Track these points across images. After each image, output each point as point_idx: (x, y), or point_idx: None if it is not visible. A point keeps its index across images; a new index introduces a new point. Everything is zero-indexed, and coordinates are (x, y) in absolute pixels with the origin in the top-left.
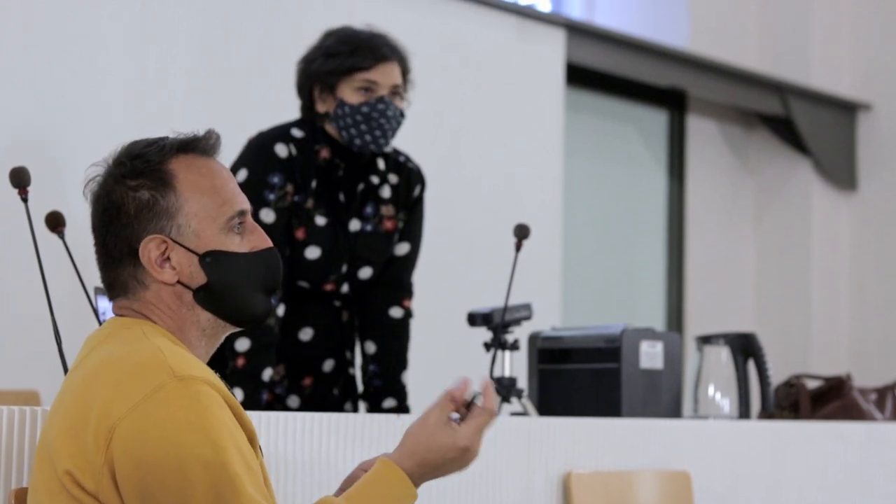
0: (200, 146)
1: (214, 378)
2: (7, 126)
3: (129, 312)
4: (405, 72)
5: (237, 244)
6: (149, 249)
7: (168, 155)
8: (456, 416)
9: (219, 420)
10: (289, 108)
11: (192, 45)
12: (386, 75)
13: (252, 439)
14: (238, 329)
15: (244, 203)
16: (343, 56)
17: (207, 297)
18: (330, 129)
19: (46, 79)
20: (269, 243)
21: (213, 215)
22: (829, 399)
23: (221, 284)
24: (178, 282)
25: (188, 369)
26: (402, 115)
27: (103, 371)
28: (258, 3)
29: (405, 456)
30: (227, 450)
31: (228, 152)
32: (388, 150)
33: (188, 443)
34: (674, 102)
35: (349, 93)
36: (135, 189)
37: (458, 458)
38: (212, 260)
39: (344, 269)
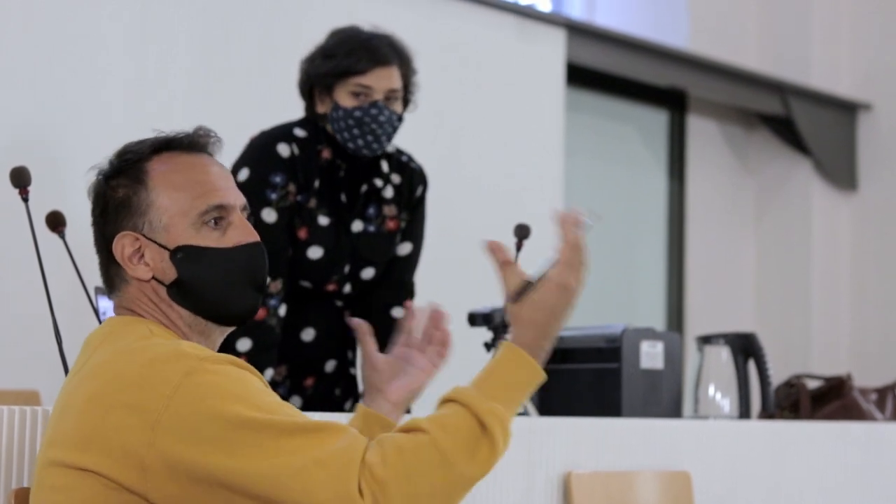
0: (184, 143)
1: (239, 360)
2: (7, 126)
3: (124, 312)
4: (407, 74)
5: (214, 239)
6: (122, 245)
7: (147, 152)
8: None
9: (252, 386)
10: (289, 108)
11: (192, 45)
12: (381, 80)
13: None
14: (223, 326)
15: (225, 198)
16: (339, 58)
17: (180, 292)
18: (330, 129)
19: (47, 79)
20: (253, 238)
21: (185, 210)
22: (829, 399)
23: (193, 280)
24: (154, 278)
25: (205, 352)
26: (398, 119)
27: (121, 370)
28: (258, 3)
29: (521, 329)
30: (269, 405)
31: (229, 152)
32: (390, 149)
33: (234, 412)
34: (674, 102)
35: (343, 96)
36: (114, 188)
37: (561, 299)
38: (182, 255)
39: (346, 269)
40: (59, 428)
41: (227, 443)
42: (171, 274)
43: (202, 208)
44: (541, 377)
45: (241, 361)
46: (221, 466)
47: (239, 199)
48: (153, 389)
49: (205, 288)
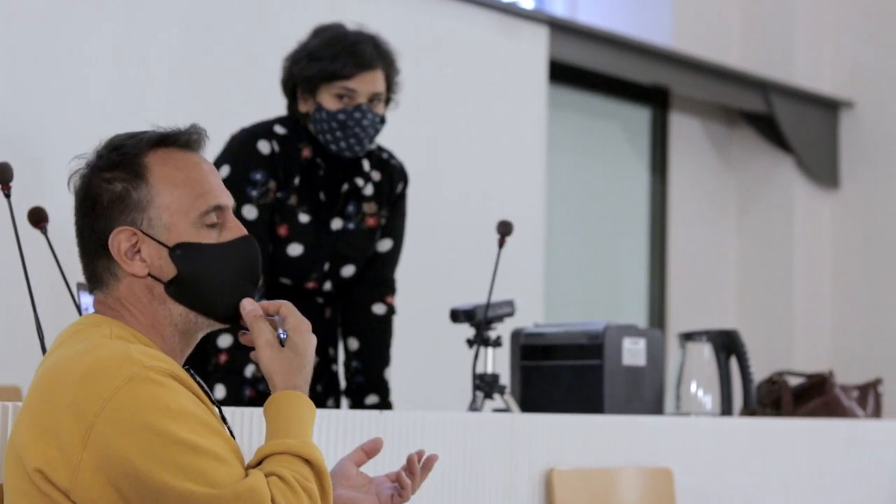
0: (181, 140)
1: (179, 371)
2: None
3: (103, 308)
4: (391, 76)
5: (213, 238)
6: (118, 241)
7: (145, 147)
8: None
9: (189, 403)
10: (273, 104)
11: (176, 41)
12: (366, 84)
13: None
14: (216, 324)
15: (222, 198)
16: (325, 61)
17: (179, 290)
18: (312, 128)
19: (29, 74)
20: (244, 232)
21: (186, 209)
22: (811, 396)
23: (193, 277)
24: (149, 275)
25: (153, 361)
26: (381, 121)
27: (68, 368)
28: (241, 1)
29: (278, 380)
30: (204, 428)
31: (213, 148)
32: (369, 149)
33: (167, 426)
34: (657, 100)
35: (327, 98)
36: (109, 181)
37: (302, 343)
38: (182, 252)
39: (326, 267)
40: (18, 423)
41: (155, 456)
42: (169, 271)
43: (203, 208)
44: (306, 401)
45: (186, 378)
46: (147, 476)
47: (230, 199)
48: (93, 391)
49: (203, 284)
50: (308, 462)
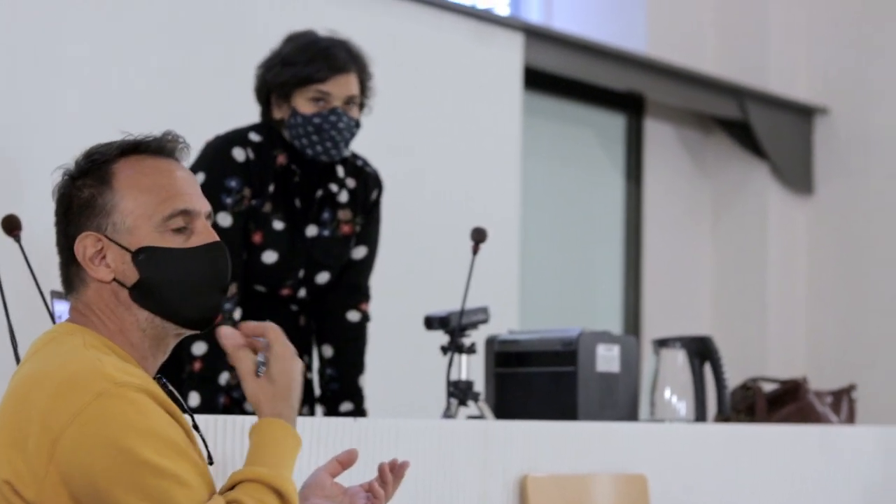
0: (153, 146)
1: (152, 385)
2: None
3: (76, 315)
4: (364, 80)
5: (178, 243)
6: (84, 246)
7: (114, 154)
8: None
9: (159, 423)
10: (251, 113)
11: (152, 49)
12: (340, 87)
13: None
14: (183, 330)
15: (191, 203)
16: (299, 66)
17: (142, 294)
18: (287, 135)
19: (4, 82)
20: (214, 238)
21: (150, 213)
22: (785, 402)
23: (156, 281)
24: (114, 279)
25: (125, 377)
26: (356, 125)
27: (41, 379)
28: (218, 9)
29: (264, 408)
30: (170, 450)
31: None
32: (346, 154)
33: (133, 446)
34: (632, 106)
35: (302, 103)
36: (80, 188)
37: (285, 370)
38: (144, 257)
39: (301, 274)
40: None
41: (118, 475)
42: (132, 276)
43: (167, 212)
44: (292, 431)
45: (158, 392)
46: (107, 494)
47: (204, 206)
48: (63, 405)
49: (167, 288)
50: (277, 493)
